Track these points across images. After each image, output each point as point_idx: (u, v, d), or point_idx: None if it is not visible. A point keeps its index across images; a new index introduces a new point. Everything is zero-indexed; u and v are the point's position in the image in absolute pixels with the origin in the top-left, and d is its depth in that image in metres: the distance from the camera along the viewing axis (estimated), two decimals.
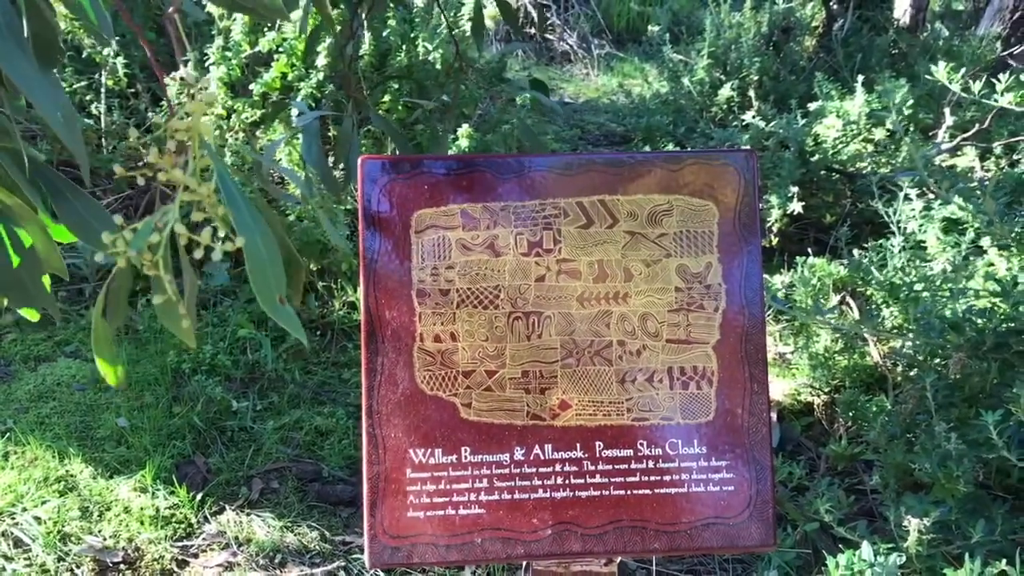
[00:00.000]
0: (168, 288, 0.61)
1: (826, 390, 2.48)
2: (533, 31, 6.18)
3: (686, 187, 1.23)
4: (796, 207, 3.15)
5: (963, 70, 2.41)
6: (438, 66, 3.53)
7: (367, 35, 3.40)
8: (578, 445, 1.20)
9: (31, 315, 0.83)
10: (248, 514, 2.09)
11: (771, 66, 4.17)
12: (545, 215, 1.22)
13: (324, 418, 2.44)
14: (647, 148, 4.06)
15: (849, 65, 4.18)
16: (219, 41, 3.18)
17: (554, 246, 1.21)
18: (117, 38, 3.29)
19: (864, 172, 3.34)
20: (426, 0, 3.66)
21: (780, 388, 2.59)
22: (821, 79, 3.59)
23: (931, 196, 2.68)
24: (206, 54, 3.19)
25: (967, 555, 1.37)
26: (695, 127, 4.08)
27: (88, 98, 3.27)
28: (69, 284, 2.97)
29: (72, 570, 1.88)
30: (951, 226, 2.67)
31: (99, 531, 1.99)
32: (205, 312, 2.84)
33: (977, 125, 3.24)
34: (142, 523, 2.02)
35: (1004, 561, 1.34)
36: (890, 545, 1.49)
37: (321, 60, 3.16)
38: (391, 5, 2.60)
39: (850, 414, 2.21)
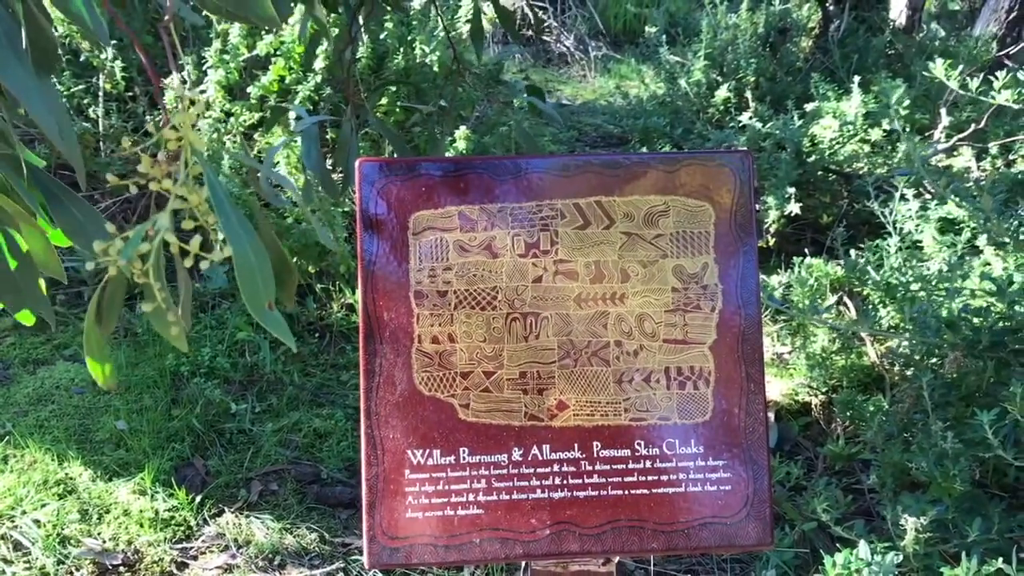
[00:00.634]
0: (158, 296, 0.62)
1: (823, 390, 2.49)
2: (530, 33, 6.19)
3: (682, 188, 1.23)
4: (793, 208, 3.16)
5: (959, 70, 2.43)
6: (435, 69, 3.53)
7: (364, 38, 3.41)
8: (576, 445, 1.20)
9: (26, 319, 0.84)
10: (247, 516, 2.09)
11: (768, 67, 4.18)
12: (542, 216, 1.22)
13: (323, 420, 2.44)
14: (644, 149, 4.07)
15: (845, 66, 4.19)
16: (217, 44, 3.18)
17: (551, 247, 1.22)
18: (115, 42, 3.29)
19: (861, 172, 3.35)
20: (423, 3, 3.66)
21: (778, 388, 2.60)
22: (817, 80, 3.60)
23: (927, 196, 2.69)
24: (204, 57, 3.20)
25: (964, 554, 1.38)
26: (692, 128, 4.08)
27: (86, 101, 3.27)
28: (68, 288, 2.97)
29: (72, 573, 1.88)
30: (947, 226, 2.68)
31: (99, 534, 2.00)
32: (204, 315, 2.84)
33: (973, 125, 3.25)
34: (141, 525, 2.02)
35: (1001, 560, 1.35)
36: (887, 544, 1.49)
37: (319, 63, 3.17)
38: (388, 9, 2.60)
39: (847, 414, 2.22)
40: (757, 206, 3.36)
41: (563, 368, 1.21)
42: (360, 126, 3.14)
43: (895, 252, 2.42)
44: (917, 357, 2.07)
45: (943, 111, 3.32)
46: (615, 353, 1.21)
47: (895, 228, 2.48)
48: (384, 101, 3.36)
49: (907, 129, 3.36)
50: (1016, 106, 2.16)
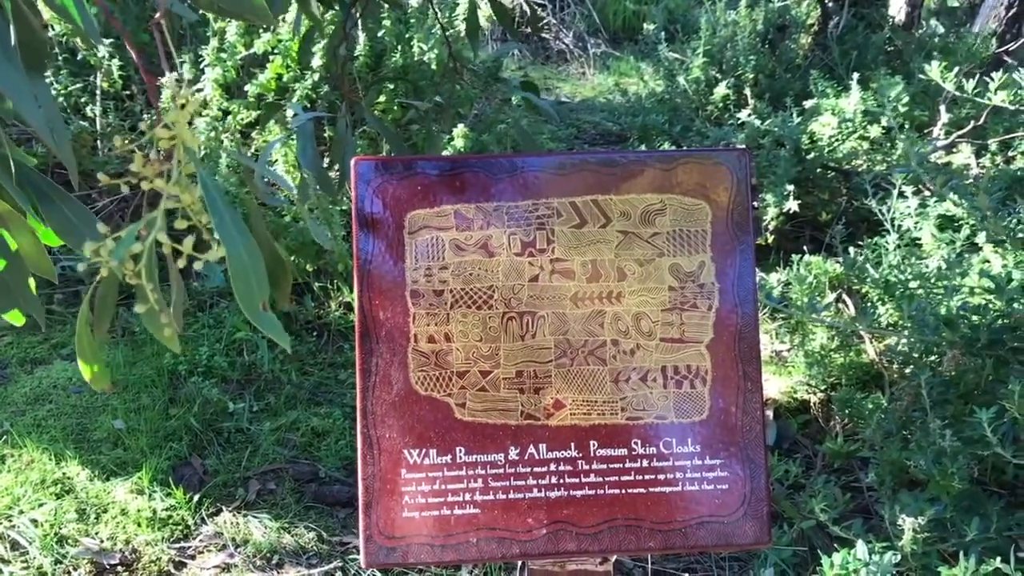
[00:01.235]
0: (150, 297, 0.61)
1: (822, 388, 2.49)
2: (528, 31, 6.18)
3: (679, 186, 1.23)
4: (792, 205, 3.16)
5: (958, 67, 2.42)
6: (433, 66, 3.53)
7: (362, 36, 3.40)
8: (572, 444, 1.20)
9: (16, 319, 0.83)
10: (245, 515, 2.09)
11: (767, 64, 4.17)
12: (538, 215, 1.22)
13: (321, 419, 2.44)
14: (643, 147, 4.06)
15: (845, 63, 4.18)
16: (214, 42, 3.18)
17: (547, 246, 1.21)
18: (111, 40, 3.28)
19: (860, 170, 3.34)
20: (421, 1, 3.66)
21: (776, 386, 2.60)
22: (817, 77, 3.59)
23: (927, 193, 2.69)
24: (201, 56, 3.19)
25: (962, 553, 1.38)
26: (691, 126, 4.07)
27: (83, 100, 3.27)
28: (65, 287, 2.97)
29: (69, 572, 1.88)
30: (946, 223, 2.68)
31: (96, 533, 2.00)
32: (201, 314, 2.84)
33: (972, 122, 3.24)
34: (139, 525, 2.02)
35: (999, 559, 1.35)
36: (885, 544, 1.49)
37: (316, 61, 3.16)
38: (385, 7, 2.60)
39: (846, 412, 2.22)
40: (755, 204, 3.36)
41: (560, 367, 1.20)
42: (357, 124, 3.14)
43: (894, 249, 2.41)
44: (916, 355, 2.07)
45: (942, 108, 3.31)
46: (612, 352, 1.21)
47: (894, 226, 2.47)
48: (382, 99, 3.36)
49: (906, 126, 3.36)
50: (1012, 107, 2.15)
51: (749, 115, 3.50)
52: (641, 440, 1.20)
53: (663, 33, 4.63)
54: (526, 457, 1.19)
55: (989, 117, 3.28)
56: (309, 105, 3.22)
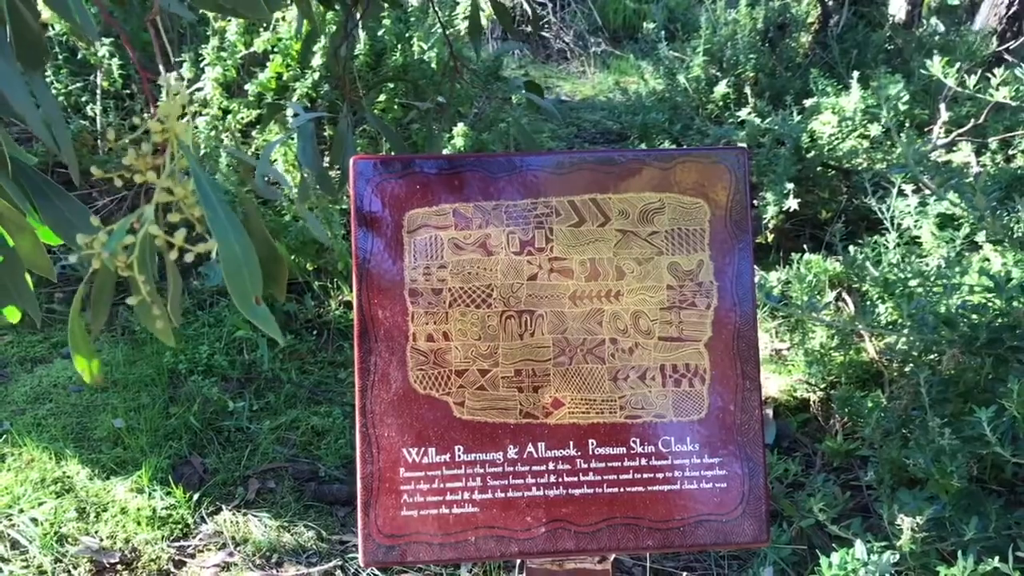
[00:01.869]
0: (143, 289, 0.61)
1: (822, 386, 2.49)
2: (528, 29, 6.18)
3: (677, 185, 1.23)
4: (792, 204, 3.16)
5: (958, 65, 2.42)
6: (433, 66, 3.53)
7: (362, 35, 3.40)
8: (571, 443, 1.20)
9: (12, 315, 0.83)
10: (245, 514, 2.09)
11: (767, 63, 4.17)
12: (537, 214, 1.22)
13: (320, 418, 2.44)
14: (643, 145, 4.06)
15: (845, 61, 4.18)
16: (214, 41, 3.17)
17: (546, 245, 1.21)
18: (111, 39, 3.28)
19: (860, 168, 3.34)
20: (421, 0, 3.66)
21: (776, 384, 2.60)
22: (817, 75, 3.59)
23: (927, 192, 2.69)
24: (201, 55, 3.19)
25: (960, 552, 1.38)
26: (691, 124, 4.07)
27: (84, 99, 3.27)
28: (67, 286, 2.97)
29: (69, 571, 1.88)
30: (946, 221, 2.68)
31: (96, 532, 2.00)
32: (201, 312, 2.84)
33: (973, 120, 3.24)
34: (139, 524, 2.02)
35: (997, 558, 1.35)
36: (884, 543, 1.49)
37: (317, 60, 3.16)
38: (385, 6, 2.60)
39: (846, 410, 2.22)
40: (755, 202, 3.36)
41: (558, 366, 1.20)
42: (358, 123, 3.14)
43: (893, 248, 2.41)
44: (915, 353, 2.07)
45: (942, 106, 3.31)
46: (610, 351, 1.21)
47: (893, 224, 2.47)
48: (382, 98, 3.36)
49: (905, 125, 3.36)
50: (1014, 103, 2.15)
51: (749, 113, 3.50)
52: (640, 439, 1.20)
53: (663, 32, 4.63)
54: (525, 456, 1.19)
55: (989, 115, 3.28)
56: (309, 104, 3.22)
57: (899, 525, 1.54)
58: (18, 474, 2.14)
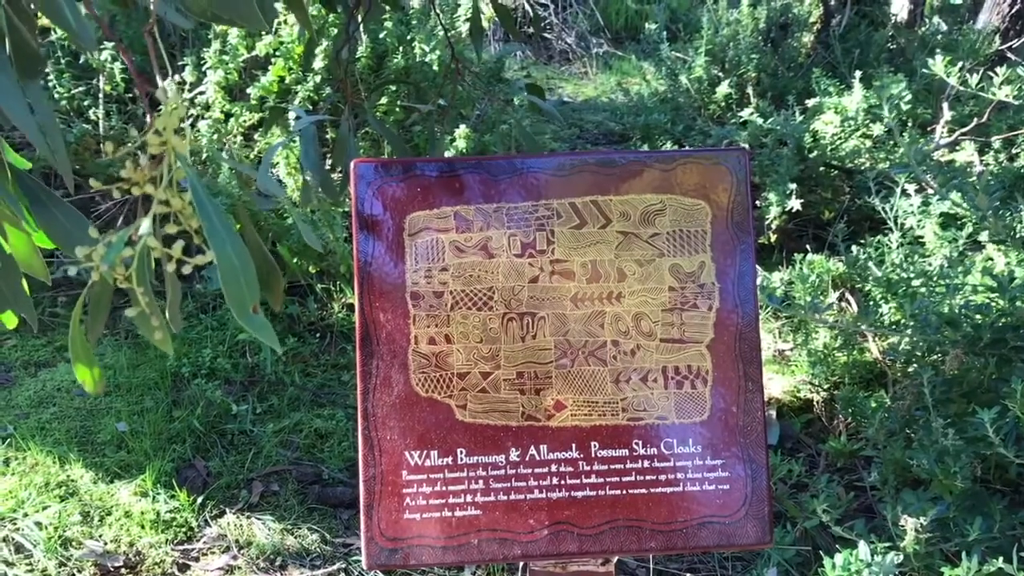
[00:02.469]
0: (142, 301, 0.61)
1: (825, 387, 2.48)
2: (530, 31, 6.18)
3: (679, 187, 1.23)
4: (794, 204, 3.15)
5: (960, 64, 2.41)
6: (435, 68, 3.53)
7: (364, 38, 3.41)
8: (573, 445, 1.20)
9: (8, 320, 0.84)
10: (248, 517, 2.09)
11: (769, 63, 4.17)
12: (538, 216, 1.22)
13: (324, 420, 2.44)
14: (645, 146, 4.06)
15: (847, 61, 4.17)
16: (216, 45, 3.18)
17: (547, 247, 1.21)
18: (115, 43, 3.29)
19: (862, 168, 3.34)
20: (423, 2, 3.66)
21: (779, 385, 2.59)
22: (819, 75, 3.59)
23: (930, 191, 2.68)
24: (203, 58, 3.20)
25: (964, 553, 1.37)
26: (693, 125, 4.07)
27: (86, 103, 3.27)
28: (69, 290, 2.98)
29: (74, 575, 1.88)
30: (949, 221, 2.67)
31: (100, 536, 2.00)
32: (204, 316, 2.84)
33: (976, 119, 3.23)
34: (143, 527, 2.02)
35: (1001, 559, 1.34)
36: (888, 544, 1.49)
37: (319, 63, 3.16)
38: (387, 9, 2.60)
39: (849, 410, 2.21)
40: (757, 202, 3.35)
41: (560, 368, 1.20)
42: (360, 126, 3.14)
43: (896, 248, 2.41)
44: (918, 354, 2.06)
45: (945, 105, 3.31)
46: (612, 353, 1.21)
47: (896, 224, 2.47)
48: (384, 101, 3.36)
49: (909, 124, 3.35)
50: (1016, 102, 2.15)
51: (751, 114, 3.50)
52: (642, 441, 1.20)
53: (665, 32, 4.63)
54: (527, 458, 1.19)
55: (992, 114, 3.27)
56: (311, 107, 3.22)
57: (903, 526, 1.53)
58: (22, 478, 2.14)
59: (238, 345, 2.71)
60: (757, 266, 2.72)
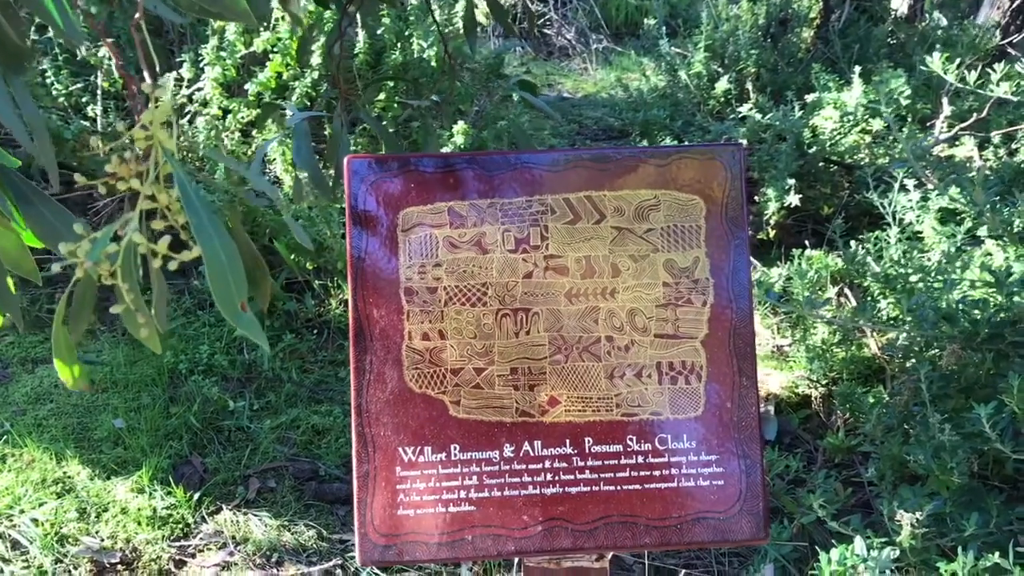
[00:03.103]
0: (127, 298, 0.61)
1: (823, 382, 2.48)
2: (525, 26, 6.16)
3: (673, 182, 1.22)
4: (793, 199, 3.15)
5: (960, 60, 2.40)
6: (433, 64, 3.52)
7: (361, 33, 3.40)
8: (567, 441, 1.19)
9: None
10: (245, 513, 2.09)
11: (768, 58, 4.16)
12: (532, 212, 1.21)
13: (321, 417, 2.44)
14: (644, 142, 4.05)
15: (847, 56, 4.16)
16: (214, 41, 3.17)
17: (541, 243, 1.21)
18: (112, 39, 3.28)
19: (862, 163, 3.33)
20: None
21: (778, 381, 2.59)
22: (818, 70, 3.58)
23: (929, 186, 2.67)
24: (201, 54, 3.19)
25: (960, 548, 1.37)
26: (692, 120, 4.06)
27: (84, 100, 3.27)
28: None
29: (70, 571, 1.88)
30: (948, 216, 2.66)
31: (97, 532, 2.00)
32: (201, 312, 2.84)
33: (975, 115, 3.22)
34: (139, 524, 2.02)
35: (998, 554, 1.34)
36: (884, 539, 1.49)
37: (316, 59, 3.16)
38: (383, 5, 2.60)
39: (847, 406, 2.21)
40: (756, 198, 3.35)
41: (554, 364, 1.20)
42: (357, 122, 3.13)
43: (895, 243, 2.40)
44: (916, 349, 2.06)
45: (945, 101, 3.30)
46: (606, 348, 1.20)
47: (895, 219, 2.46)
48: (382, 97, 3.35)
49: (909, 119, 3.34)
50: (1016, 98, 2.14)
51: (750, 109, 3.49)
52: (636, 436, 1.19)
53: (664, 28, 4.62)
54: (521, 454, 1.19)
55: (992, 109, 3.26)
56: (309, 103, 3.22)
57: (899, 521, 1.53)
58: (19, 474, 2.14)
59: (235, 341, 2.71)
60: (755, 261, 2.72)
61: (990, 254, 2.34)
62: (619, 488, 1.19)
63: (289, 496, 2.16)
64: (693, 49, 4.32)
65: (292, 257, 2.92)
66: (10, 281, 0.79)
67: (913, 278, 2.16)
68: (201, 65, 3.20)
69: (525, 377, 1.20)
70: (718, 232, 1.22)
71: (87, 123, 3.22)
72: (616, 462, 1.19)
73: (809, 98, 3.49)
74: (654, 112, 4.14)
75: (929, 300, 1.98)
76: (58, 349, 0.72)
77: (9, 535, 1.96)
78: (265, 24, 3.18)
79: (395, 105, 3.37)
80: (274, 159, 3.07)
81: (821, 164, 3.41)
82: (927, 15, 4.89)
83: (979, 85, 2.20)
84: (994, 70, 2.24)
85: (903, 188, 2.55)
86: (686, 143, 3.52)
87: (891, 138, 3.31)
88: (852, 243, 2.53)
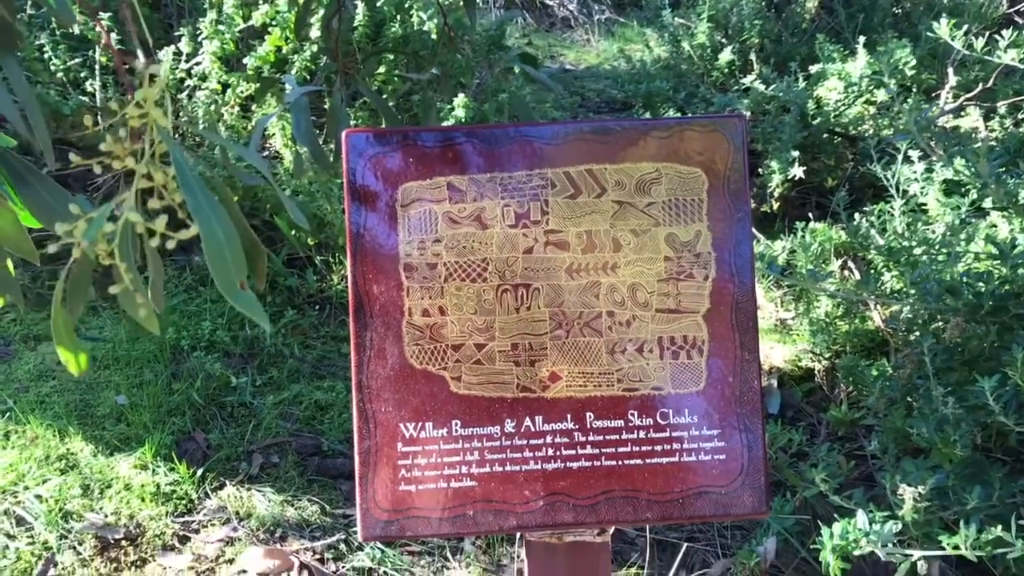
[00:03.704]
0: (125, 277, 0.60)
1: (827, 355, 2.47)
2: None
3: (675, 155, 1.21)
4: (797, 171, 3.13)
5: (966, 28, 2.37)
6: (433, 36, 3.49)
7: (360, 6, 3.37)
8: (568, 416, 1.19)
9: None
10: (248, 489, 2.10)
11: (772, 29, 4.12)
12: (532, 186, 1.20)
13: (323, 392, 2.44)
14: (647, 114, 4.02)
15: (851, 26, 4.12)
16: (212, 15, 3.14)
17: (542, 217, 1.20)
18: (110, 14, 3.25)
19: (866, 135, 3.30)
20: None
21: (781, 354, 2.59)
22: (823, 41, 3.54)
23: (933, 158, 2.65)
24: (199, 28, 3.16)
25: (963, 521, 1.37)
26: (696, 92, 4.03)
27: (83, 75, 3.25)
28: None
29: (74, 547, 1.89)
30: (953, 188, 2.64)
31: (100, 508, 2.01)
32: (203, 288, 2.84)
33: (981, 84, 3.19)
34: (143, 500, 2.03)
35: (1000, 527, 1.34)
36: (887, 513, 1.48)
37: (315, 32, 3.12)
38: None
39: (850, 379, 2.20)
40: (760, 170, 3.32)
41: (555, 339, 1.19)
42: (357, 96, 3.11)
43: (899, 215, 2.39)
44: (920, 322, 2.05)
45: (950, 71, 3.26)
46: (607, 323, 1.19)
47: (899, 191, 2.44)
48: (382, 70, 3.32)
49: (914, 89, 3.31)
50: (1022, 66, 2.11)
51: (754, 81, 3.45)
52: (637, 411, 1.19)
53: None
54: (522, 430, 1.19)
55: (998, 79, 3.23)
56: (308, 77, 3.19)
57: (902, 495, 1.53)
58: (22, 451, 2.15)
59: (237, 318, 2.71)
60: (759, 234, 2.71)
61: (995, 226, 2.32)
62: (620, 463, 1.19)
63: (292, 471, 2.17)
64: (696, 20, 4.28)
65: (293, 233, 2.91)
66: (9, 263, 0.78)
67: (917, 251, 2.15)
68: (200, 39, 3.17)
69: (526, 353, 1.19)
70: (720, 205, 1.20)
71: (86, 99, 3.20)
72: (617, 437, 1.19)
73: (813, 69, 3.46)
74: (657, 84, 4.11)
75: (933, 273, 1.97)
76: (58, 332, 0.71)
77: (14, 511, 1.96)
78: None
79: (395, 78, 3.34)
80: (273, 134, 3.05)
81: (825, 136, 3.38)
82: None
83: (986, 52, 2.17)
84: (1002, 36, 2.20)
85: (907, 160, 2.53)
86: (687, 115, 3.50)
87: (896, 109, 3.28)
88: (856, 215, 2.52)
